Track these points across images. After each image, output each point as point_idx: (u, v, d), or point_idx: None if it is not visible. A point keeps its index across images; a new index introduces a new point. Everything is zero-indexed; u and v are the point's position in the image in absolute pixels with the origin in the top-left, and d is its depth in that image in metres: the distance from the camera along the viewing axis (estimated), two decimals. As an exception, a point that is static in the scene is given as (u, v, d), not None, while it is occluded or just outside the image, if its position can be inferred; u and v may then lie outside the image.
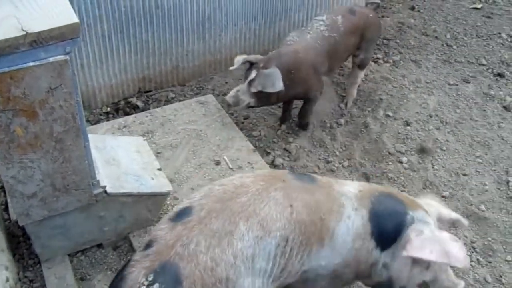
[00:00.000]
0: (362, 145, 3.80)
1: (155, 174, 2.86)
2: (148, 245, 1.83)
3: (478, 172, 3.62)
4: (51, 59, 1.99)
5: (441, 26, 5.23)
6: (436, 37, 5.07)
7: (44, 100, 2.07)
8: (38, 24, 1.93)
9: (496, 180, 3.55)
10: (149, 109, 3.93)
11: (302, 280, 2.10)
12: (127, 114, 3.88)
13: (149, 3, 3.76)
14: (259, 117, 3.99)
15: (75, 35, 2.00)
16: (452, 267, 2.29)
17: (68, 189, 2.38)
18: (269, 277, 1.94)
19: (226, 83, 4.30)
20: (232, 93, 3.52)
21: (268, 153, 3.64)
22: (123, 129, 3.56)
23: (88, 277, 2.67)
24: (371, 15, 3.93)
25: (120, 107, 4.00)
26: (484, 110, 4.18)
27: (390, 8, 5.53)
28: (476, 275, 2.91)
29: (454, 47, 4.95)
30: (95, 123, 3.75)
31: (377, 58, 4.72)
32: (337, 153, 3.73)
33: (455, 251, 2.01)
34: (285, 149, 3.71)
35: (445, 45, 4.97)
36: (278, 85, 3.37)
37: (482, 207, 3.34)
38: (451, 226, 2.41)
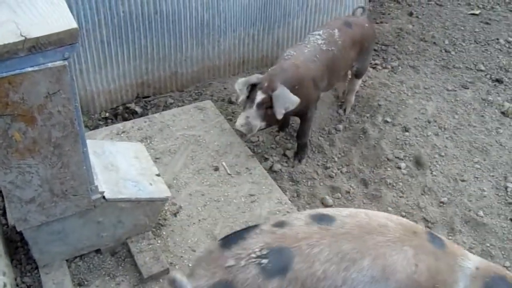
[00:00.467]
0: (361, 151, 3.81)
1: (153, 179, 2.86)
2: (280, 225, 1.92)
3: (477, 178, 3.62)
4: (50, 65, 1.99)
5: (439, 32, 5.25)
6: (434, 43, 5.08)
7: (42, 105, 2.07)
8: (37, 29, 1.93)
9: (495, 186, 3.55)
10: (147, 114, 3.93)
11: None
12: (125, 119, 3.88)
13: (148, 8, 3.76)
14: (258, 123, 3.99)
15: (74, 41, 1.99)
16: None
17: (66, 194, 2.38)
18: None
19: (225, 88, 4.31)
20: (241, 121, 3.25)
21: (266, 159, 3.64)
22: (122, 135, 3.56)
23: (86, 282, 2.67)
24: (366, 25, 3.85)
25: (119, 113, 4.00)
26: (482, 116, 4.19)
27: (388, 14, 5.55)
28: (474, 281, 2.91)
29: (452, 53, 4.96)
30: (93, 129, 3.74)
31: (376, 64, 4.73)
32: (336, 159, 3.73)
33: None
34: (283, 155, 3.71)
35: (443, 51, 4.98)
36: (295, 99, 3.21)
37: (481, 213, 3.34)
38: None
